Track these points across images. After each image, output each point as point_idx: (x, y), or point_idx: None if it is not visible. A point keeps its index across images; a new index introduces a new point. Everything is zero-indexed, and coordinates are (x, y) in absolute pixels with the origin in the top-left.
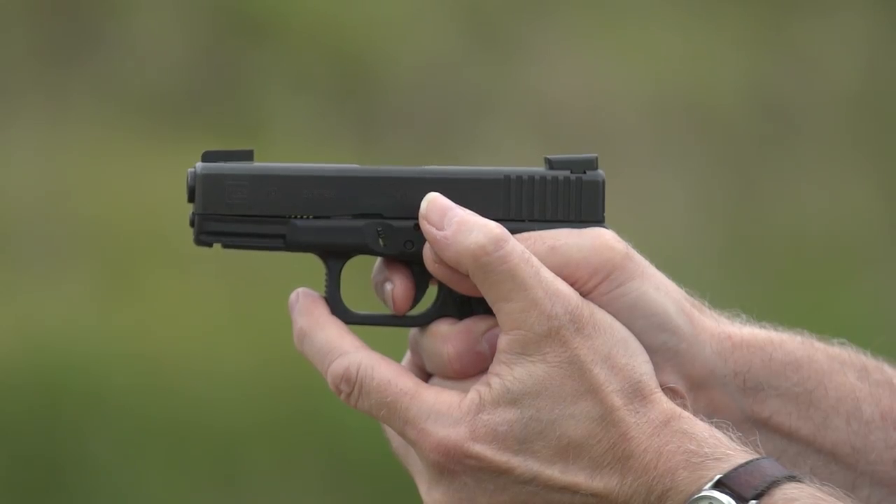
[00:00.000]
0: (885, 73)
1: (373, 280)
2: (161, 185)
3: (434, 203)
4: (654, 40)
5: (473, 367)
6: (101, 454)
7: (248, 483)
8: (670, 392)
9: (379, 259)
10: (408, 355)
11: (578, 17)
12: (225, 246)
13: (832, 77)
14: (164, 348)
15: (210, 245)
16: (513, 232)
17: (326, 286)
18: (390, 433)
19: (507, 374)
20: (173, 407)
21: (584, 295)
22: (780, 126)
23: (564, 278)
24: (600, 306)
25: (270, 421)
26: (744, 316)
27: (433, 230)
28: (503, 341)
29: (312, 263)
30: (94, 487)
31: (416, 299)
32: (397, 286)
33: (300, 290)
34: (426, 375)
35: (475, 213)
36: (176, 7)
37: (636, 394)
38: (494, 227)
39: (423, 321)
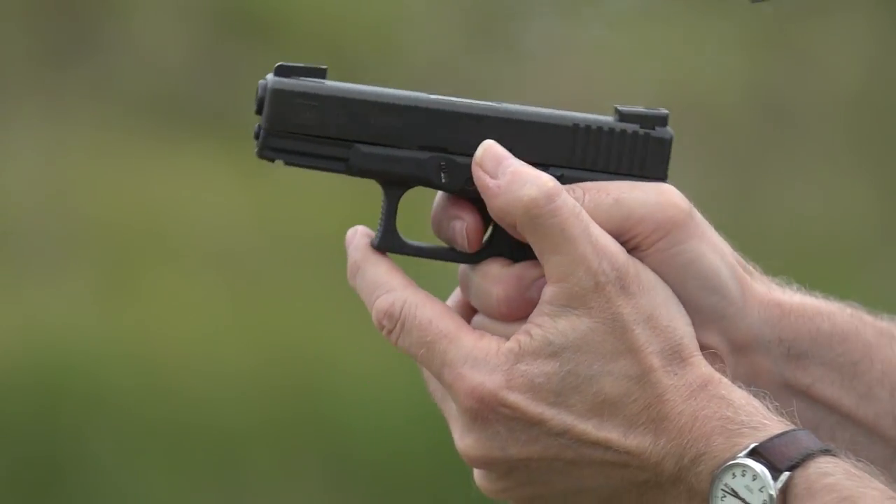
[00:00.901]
0: (885, 74)
1: (434, 218)
2: (161, 185)
3: (489, 150)
4: (655, 39)
5: (521, 312)
6: (102, 454)
7: (248, 483)
8: (710, 356)
9: (440, 196)
10: (457, 291)
11: (578, 17)
12: (287, 163)
13: (832, 77)
14: (164, 348)
15: (272, 160)
16: (574, 180)
17: (382, 214)
18: (428, 375)
19: (549, 326)
20: (173, 407)
21: (641, 250)
22: (780, 126)
23: (625, 232)
24: (656, 263)
25: (271, 421)
26: (795, 284)
27: (486, 178)
28: (548, 292)
29: (313, 265)
30: (94, 487)
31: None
32: (469, 222)
33: (358, 227)
34: (473, 311)
35: (529, 165)
36: (176, 7)
37: (675, 356)
38: (548, 181)
39: (476, 259)
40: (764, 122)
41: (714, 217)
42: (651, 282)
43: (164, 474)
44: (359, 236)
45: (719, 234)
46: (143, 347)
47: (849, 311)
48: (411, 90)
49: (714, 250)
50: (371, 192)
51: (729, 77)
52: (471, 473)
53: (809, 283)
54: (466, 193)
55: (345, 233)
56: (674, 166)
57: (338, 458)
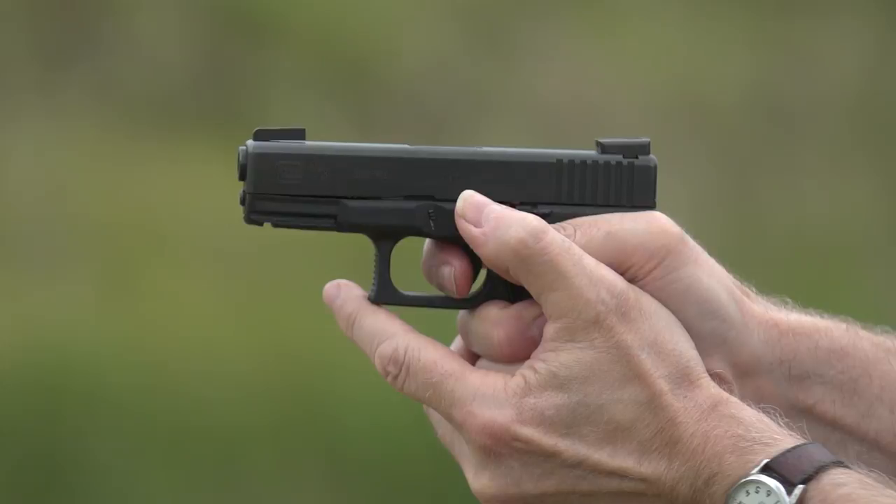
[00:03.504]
0: (885, 74)
1: (424, 265)
2: (161, 185)
3: (469, 200)
4: (655, 40)
5: (524, 352)
6: (102, 454)
7: (248, 483)
8: (716, 377)
9: (428, 243)
10: (458, 340)
11: (578, 17)
12: (275, 225)
13: (833, 77)
14: (164, 349)
15: (261, 224)
16: (564, 216)
17: (376, 267)
18: (436, 420)
19: (552, 360)
20: (174, 407)
21: (637, 280)
22: (780, 126)
23: (620, 263)
24: (653, 291)
25: (271, 422)
26: (790, 302)
27: (471, 228)
28: (550, 330)
29: (313, 265)
30: (94, 487)
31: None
32: (457, 267)
33: (339, 281)
34: (474, 359)
35: (511, 208)
36: (176, 7)
37: (683, 379)
38: (532, 220)
39: (473, 304)
40: (765, 121)
41: (715, 217)
42: (652, 307)
43: (164, 474)
44: (345, 288)
45: (714, 257)
46: (143, 347)
47: (844, 326)
48: (391, 143)
49: (710, 274)
50: None
51: (730, 77)
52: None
53: (811, 282)
54: (456, 239)
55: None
56: (675, 166)
57: (338, 458)
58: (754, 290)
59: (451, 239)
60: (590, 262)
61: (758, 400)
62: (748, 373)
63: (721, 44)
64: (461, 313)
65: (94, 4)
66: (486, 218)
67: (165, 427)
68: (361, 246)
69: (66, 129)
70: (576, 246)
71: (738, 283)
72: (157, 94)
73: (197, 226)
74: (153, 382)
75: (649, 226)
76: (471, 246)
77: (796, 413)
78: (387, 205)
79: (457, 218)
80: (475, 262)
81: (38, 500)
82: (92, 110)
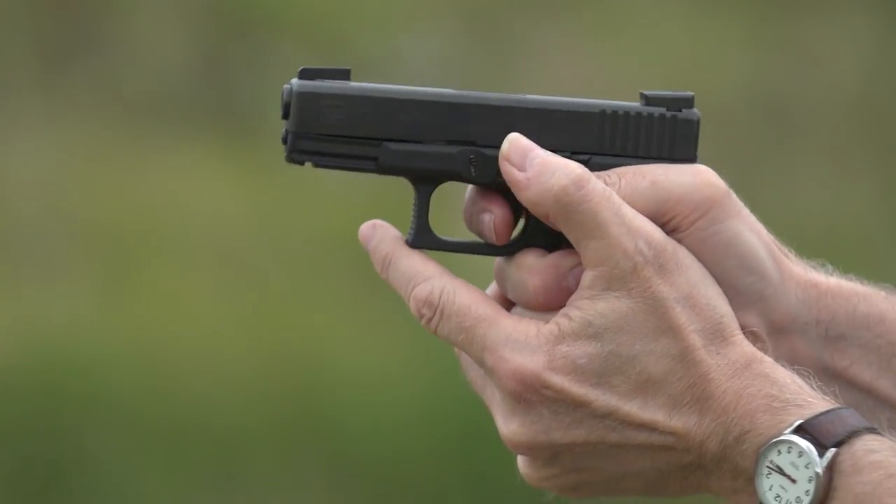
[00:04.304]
0: (885, 74)
1: (466, 212)
2: (161, 184)
3: (515, 144)
4: (654, 39)
5: (558, 302)
6: (101, 454)
7: (248, 483)
8: (751, 336)
9: (470, 189)
10: (493, 285)
11: (579, 16)
12: (316, 165)
13: (833, 77)
14: (164, 348)
15: (302, 163)
16: (605, 166)
17: (414, 211)
18: (467, 364)
19: (588, 308)
20: (173, 407)
21: (680, 230)
22: (780, 125)
23: (664, 213)
24: (695, 243)
25: (271, 421)
26: (830, 267)
27: (514, 171)
28: (587, 277)
29: (313, 264)
30: (94, 487)
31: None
32: (498, 215)
33: (375, 221)
34: (509, 306)
35: (556, 155)
36: (175, 7)
37: (716, 335)
38: (576, 168)
39: (511, 251)
40: (764, 121)
41: None
42: (689, 261)
43: (164, 473)
44: (381, 229)
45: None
46: (144, 347)
47: (884, 293)
48: (434, 87)
49: (751, 230)
50: (370, 191)
51: (730, 77)
52: (471, 474)
53: None
54: (497, 186)
55: (345, 232)
56: None
57: (338, 458)
58: (794, 253)
59: (491, 185)
60: (629, 212)
61: (791, 360)
62: (783, 331)
63: (721, 43)
64: (498, 260)
65: (94, 4)
66: (531, 163)
67: (165, 427)
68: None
69: (66, 129)
70: (616, 195)
71: (779, 243)
72: (156, 93)
73: (197, 226)
74: (153, 382)
75: (695, 177)
76: (513, 189)
77: (829, 377)
78: (428, 149)
79: (501, 160)
80: (516, 209)
81: (38, 500)
82: (92, 110)
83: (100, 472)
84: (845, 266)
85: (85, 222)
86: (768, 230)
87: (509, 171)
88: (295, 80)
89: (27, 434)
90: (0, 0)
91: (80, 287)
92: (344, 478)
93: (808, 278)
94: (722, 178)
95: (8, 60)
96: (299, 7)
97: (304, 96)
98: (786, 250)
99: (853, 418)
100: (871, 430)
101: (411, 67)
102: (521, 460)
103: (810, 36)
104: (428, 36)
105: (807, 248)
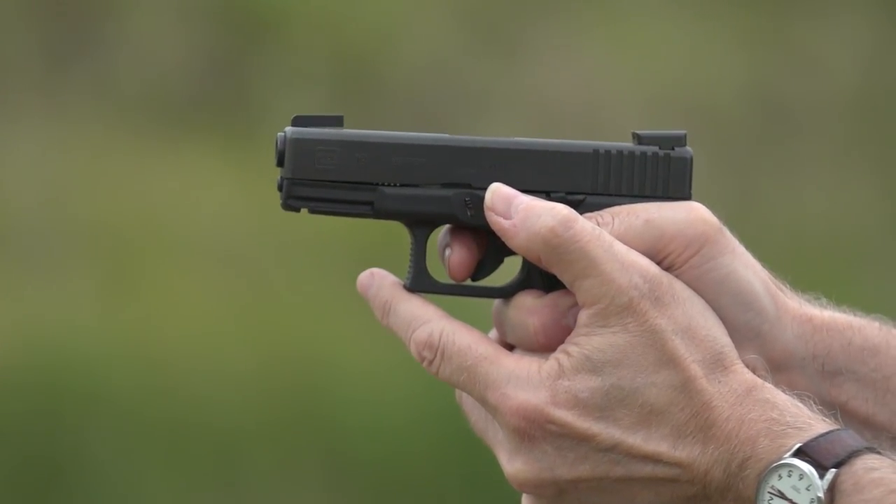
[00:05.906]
0: (885, 74)
1: (438, 244)
2: (161, 184)
3: (497, 193)
4: (655, 39)
5: (559, 341)
6: (101, 454)
7: (248, 483)
8: (749, 365)
9: (445, 226)
10: (492, 332)
11: (578, 16)
12: (312, 211)
13: (832, 77)
14: (164, 348)
15: (297, 210)
16: (600, 206)
17: (412, 255)
18: (468, 407)
19: (585, 344)
20: (174, 407)
21: (675, 268)
22: (780, 126)
23: (658, 251)
24: (690, 280)
25: (271, 421)
26: (824, 299)
27: (501, 220)
28: (584, 316)
29: (313, 264)
30: (94, 487)
31: (487, 268)
32: (454, 252)
33: (372, 269)
34: (509, 349)
35: (539, 199)
36: (176, 7)
37: (717, 364)
38: (562, 209)
39: (508, 292)
40: (764, 121)
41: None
42: (685, 293)
43: (164, 473)
44: (378, 276)
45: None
46: (144, 347)
47: (877, 324)
48: (427, 132)
49: (746, 266)
50: None
51: (729, 76)
52: (470, 474)
53: (810, 282)
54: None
55: (345, 233)
56: None
57: (337, 458)
58: (788, 286)
59: (487, 227)
60: (621, 248)
61: None
62: (781, 367)
63: (720, 43)
64: (496, 303)
65: (95, 5)
66: (516, 209)
67: (165, 427)
68: (362, 246)
69: (67, 128)
70: (606, 233)
71: (773, 277)
72: (157, 93)
73: (198, 226)
74: (153, 382)
75: (688, 215)
76: (502, 238)
77: (829, 409)
78: (424, 192)
79: (486, 211)
80: (504, 251)
81: (38, 500)
82: (93, 110)
83: (100, 471)
84: (845, 266)
85: (85, 222)
86: (768, 230)
87: (496, 221)
88: (289, 128)
89: (27, 434)
90: (1, 1)
91: (81, 287)
92: (343, 478)
93: (802, 312)
94: (722, 178)
95: (9, 60)
96: (299, 6)
97: (298, 143)
98: (780, 284)
99: (853, 439)
100: (871, 449)
101: (411, 67)
102: (525, 500)
103: (808, 36)
104: (427, 36)
105: (807, 248)
